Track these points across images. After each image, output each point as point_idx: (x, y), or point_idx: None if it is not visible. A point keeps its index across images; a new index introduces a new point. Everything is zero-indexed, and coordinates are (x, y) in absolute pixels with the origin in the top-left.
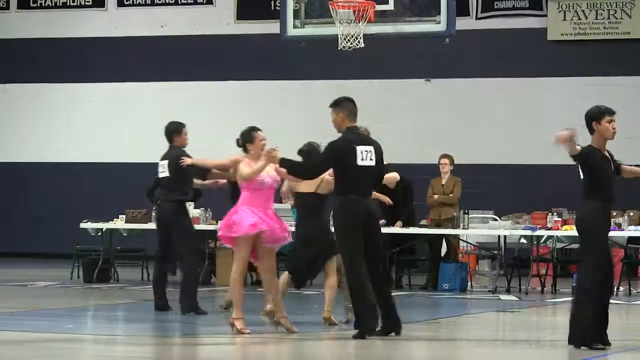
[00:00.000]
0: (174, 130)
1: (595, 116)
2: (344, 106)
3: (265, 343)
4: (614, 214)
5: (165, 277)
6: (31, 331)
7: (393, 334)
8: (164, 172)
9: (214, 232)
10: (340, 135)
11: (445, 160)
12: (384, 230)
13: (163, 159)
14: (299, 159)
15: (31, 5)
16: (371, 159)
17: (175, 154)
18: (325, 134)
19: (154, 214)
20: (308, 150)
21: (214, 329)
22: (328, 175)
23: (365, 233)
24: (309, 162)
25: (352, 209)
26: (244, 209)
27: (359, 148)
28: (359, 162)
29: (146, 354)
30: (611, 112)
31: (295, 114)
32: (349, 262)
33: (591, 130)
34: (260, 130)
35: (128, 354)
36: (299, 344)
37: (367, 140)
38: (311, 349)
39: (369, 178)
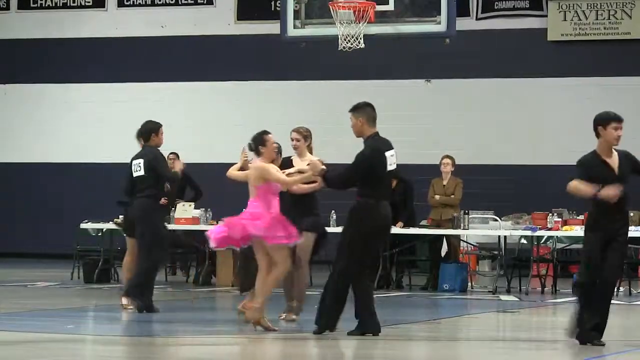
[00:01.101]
0: (152, 130)
1: (602, 121)
2: (363, 111)
3: (265, 343)
4: None
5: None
6: (31, 331)
7: (371, 334)
8: (139, 170)
9: None
10: (363, 141)
11: (448, 161)
12: None
13: (137, 158)
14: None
15: (31, 5)
16: (393, 163)
17: (151, 153)
18: (325, 134)
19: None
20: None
21: (214, 329)
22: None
23: (382, 237)
24: (343, 174)
25: (383, 213)
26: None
27: (387, 154)
28: (388, 168)
29: (147, 354)
30: (619, 119)
31: (295, 114)
32: (357, 266)
33: (597, 135)
34: (270, 133)
35: (128, 355)
36: (298, 343)
37: (390, 144)
38: (310, 349)
39: (390, 182)
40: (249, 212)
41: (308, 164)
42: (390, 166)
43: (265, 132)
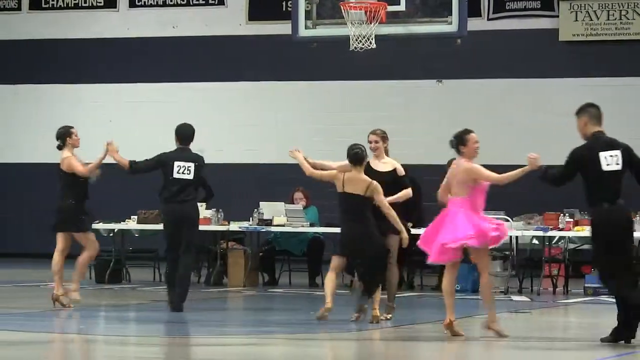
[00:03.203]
0: (193, 133)
1: None
2: (585, 111)
3: (272, 344)
4: None
5: None
6: (43, 331)
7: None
8: (189, 174)
9: (226, 232)
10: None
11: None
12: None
13: (186, 160)
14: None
15: (43, 6)
16: (617, 164)
17: (199, 158)
18: (336, 134)
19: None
20: (359, 153)
21: (226, 329)
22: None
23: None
24: (555, 172)
25: (604, 217)
26: (467, 217)
27: (603, 153)
28: (604, 167)
29: (158, 354)
30: None
31: (306, 114)
32: (612, 274)
33: None
34: (473, 132)
35: (140, 355)
36: (308, 343)
37: (612, 144)
38: (320, 349)
39: (616, 183)
40: (477, 215)
41: (530, 158)
42: (609, 166)
43: (468, 131)
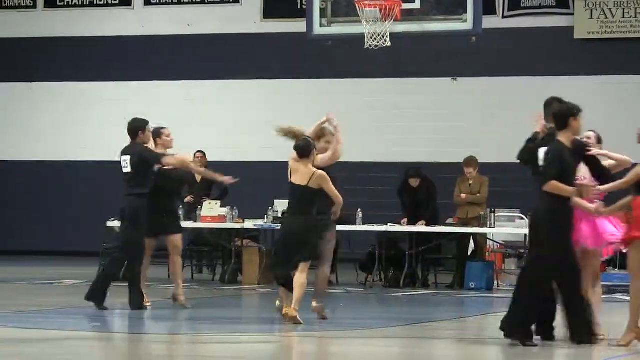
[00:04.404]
0: (139, 127)
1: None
2: (544, 106)
3: (286, 342)
4: None
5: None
6: (58, 329)
7: None
8: (126, 167)
9: (240, 230)
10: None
11: (470, 170)
12: (409, 228)
13: (125, 154)
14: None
15: (58, 4)
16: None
17: (139, 150)
18: (350, 132)
19: (181, 212)
20: (304, 145)
21: (240, 327)
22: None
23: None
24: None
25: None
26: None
27: (542, 150)
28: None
29: (172, 352)
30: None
31: (320, 112)
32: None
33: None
34: (594, 132)
35: (153, 352)
36: (325, 341)
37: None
38: (335, 347)
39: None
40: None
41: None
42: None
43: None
